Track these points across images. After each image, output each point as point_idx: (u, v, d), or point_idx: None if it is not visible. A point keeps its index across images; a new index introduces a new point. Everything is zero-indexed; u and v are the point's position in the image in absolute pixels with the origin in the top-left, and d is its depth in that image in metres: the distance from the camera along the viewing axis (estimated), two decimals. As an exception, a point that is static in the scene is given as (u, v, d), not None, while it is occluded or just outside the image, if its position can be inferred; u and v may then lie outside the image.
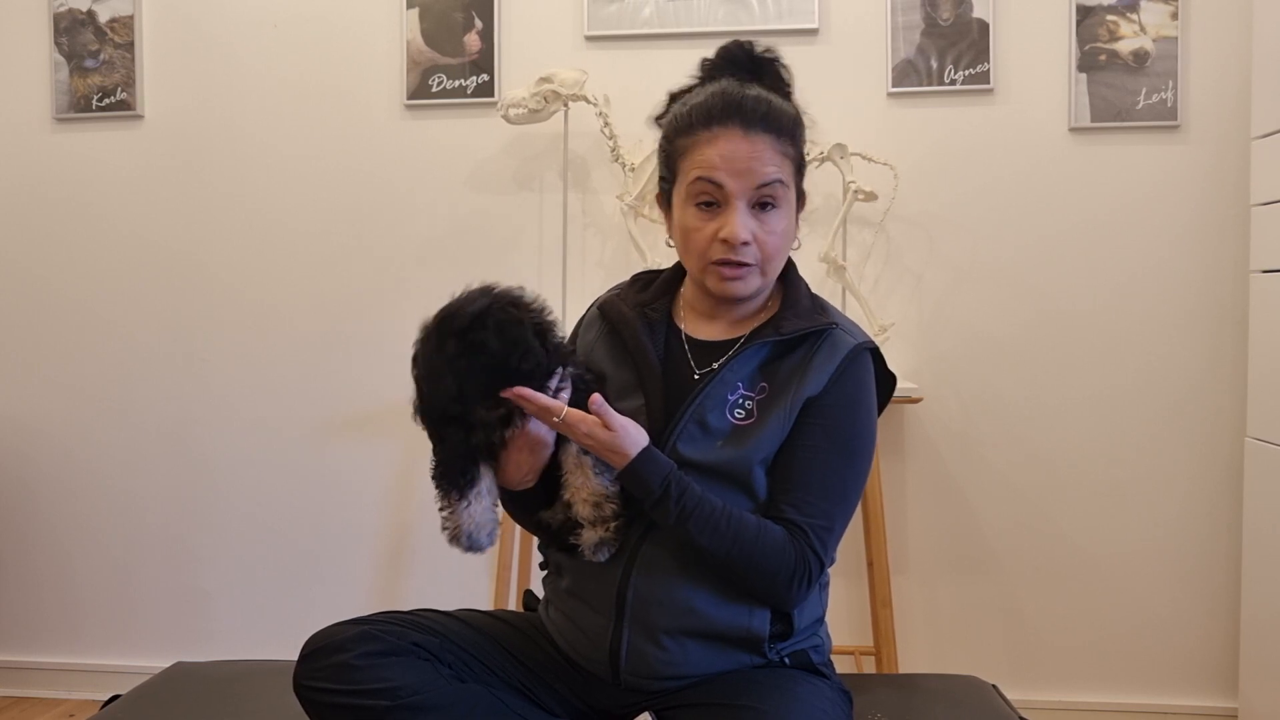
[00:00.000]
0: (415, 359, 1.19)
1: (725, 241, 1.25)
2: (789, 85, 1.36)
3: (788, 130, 1.28)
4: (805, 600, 1.27)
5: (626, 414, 1.28)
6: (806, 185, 1.35)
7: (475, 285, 1.21)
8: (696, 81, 1.35)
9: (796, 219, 1.32)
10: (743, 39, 1.35)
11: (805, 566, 1.22)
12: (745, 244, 1.25)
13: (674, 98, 1.35)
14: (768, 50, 1.35)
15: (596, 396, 1.19)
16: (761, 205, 1.26)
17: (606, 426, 1.18)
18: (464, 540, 1.21)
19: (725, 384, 1.27)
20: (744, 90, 1.28)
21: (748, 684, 1.24)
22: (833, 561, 1.36)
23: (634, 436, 1.20)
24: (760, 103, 1.27)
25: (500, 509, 1.27)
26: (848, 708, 1.32)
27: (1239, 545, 2.31)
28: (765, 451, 1.24)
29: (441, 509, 1.22)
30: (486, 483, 1.23)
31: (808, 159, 1.35)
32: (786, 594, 1.23)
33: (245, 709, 1.49)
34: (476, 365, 1.15)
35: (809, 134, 1.35)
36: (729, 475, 1.24)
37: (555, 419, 1.18)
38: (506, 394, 1.16)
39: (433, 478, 1.23)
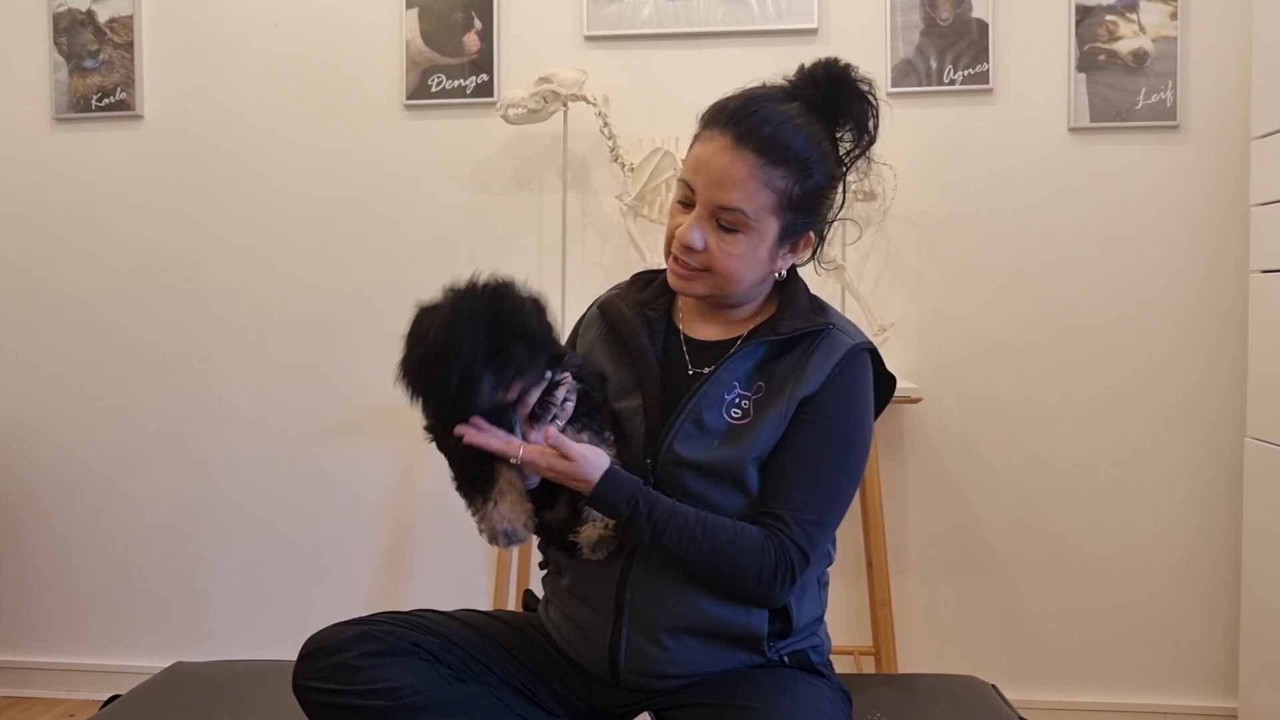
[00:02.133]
0: (426, 329, 1.15)
1: (678, 240, 1.25)
2: (863, 118, 1.28)
3: (786, 160, 1.21)
4: (791, 596, 1.26)
5: (625, 413, 1.30)
6: (829, 237, 1.30)
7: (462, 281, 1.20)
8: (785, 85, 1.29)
9: (778, 251, 1.26)
10: (842, 61, 1.28)
11: (787, 563, 1.21)
12: (693, 249, 1.24)
13: None
14: (859, 80, 1.27)
15: (550, 429, 1.19)
16: (720, 225, 1.23)
17: (565, 457, 1.18)
18: (501, 538, 1.23)
19: (721, 383, 1.27)
20: (766, 105, 1.23)
21: (747, 684, 1.24)
22: (831, 561, 1.36)
23: (594, 462, 1.19)
24: (767, 121, 1.21)
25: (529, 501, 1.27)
26: (847, 708, 1.32)
27: (1239, 545, 2.31)
28: (760, 450, 1.24)
29: (473, 515, 1.24)
30: (517, 484, 1.23)
31: (834, 203, 1.28)
32: (770, 592, 1.22)
33: (245, 709, 1.49)
34: (506, 322, 1.13)
35: (863, 180, 1.32)
36: (724, 474, 1.24)
37: (514, 459, 1.18)
38: (459, 430, 1.16)
39: (457, 490, 1.24)
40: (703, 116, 1.27)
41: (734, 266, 1.24)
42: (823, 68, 1.27)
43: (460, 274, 1.21)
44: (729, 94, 1.27)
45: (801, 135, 1.22)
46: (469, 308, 1.14)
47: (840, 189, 1.32)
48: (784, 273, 1.32)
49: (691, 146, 1.27)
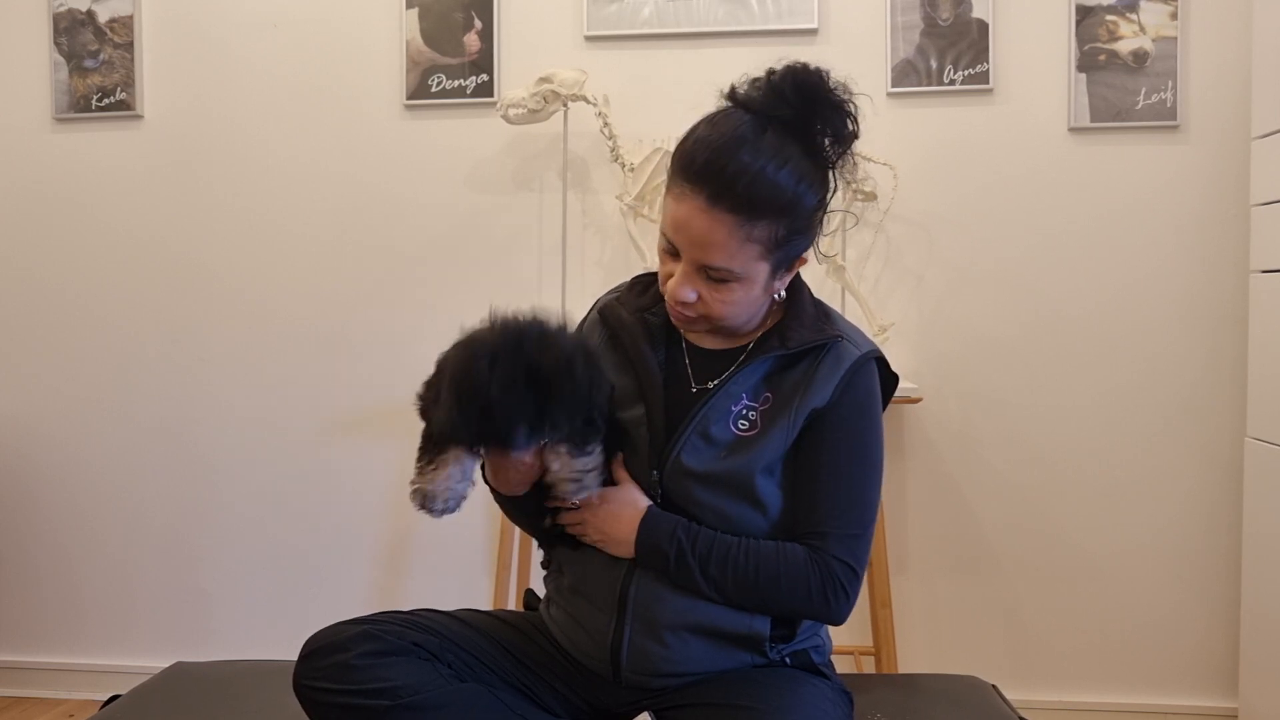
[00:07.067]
0: (474, 374, 1.09)
1: (670, 295, 1.23)
2: (841, 126, 1.21)
3: (767, 213, 1.15)
4: (852, 608, 1.26)
5: (628, 423, 1.29)
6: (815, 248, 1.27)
7: (518, 313, 1.15)
8: (730, 105, 1.21)
9: (773, 283, 1.24)
10: (811, 66, 1.19)
11: (834, 579, 1.22)
12: (687, 303, 1.22)
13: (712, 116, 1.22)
14: (834, 89, 1.19)
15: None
16: (709, 278, 1.20)
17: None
18: (427, 499, 1.20)
19: (729, 396, 1.27)
20: (736, 154, 1.14)
21: (748, 684, 1.24)
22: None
23: (629, 511, 1.24)
24: (740, 175, 1.13)
25: (474, 486, 1.24)
26: (848, 708, 1.32)
27: (1239, 545, 2.31)
28: (768, 459, 1.24)
29: (415, 477, 1.22)
30: (465, 461, 1.21)
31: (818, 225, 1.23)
32: (826, 609, 1.23)
33: (245, 709, 1.49)
34: (562, 397, 1.11)
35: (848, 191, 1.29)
36: (732, 484, 1.24)
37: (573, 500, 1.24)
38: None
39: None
40: (672, 162, 1.20)
41: (731, 311, 1.23)
42: (791, 82, 1.18)
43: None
44: (693, 138, 1.19)
45: (780, 175, 1.15)
46: (515, 360, 1.09)
47: (831, 191, 1.27)
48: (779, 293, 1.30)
49: (666, 193, 1.22)
